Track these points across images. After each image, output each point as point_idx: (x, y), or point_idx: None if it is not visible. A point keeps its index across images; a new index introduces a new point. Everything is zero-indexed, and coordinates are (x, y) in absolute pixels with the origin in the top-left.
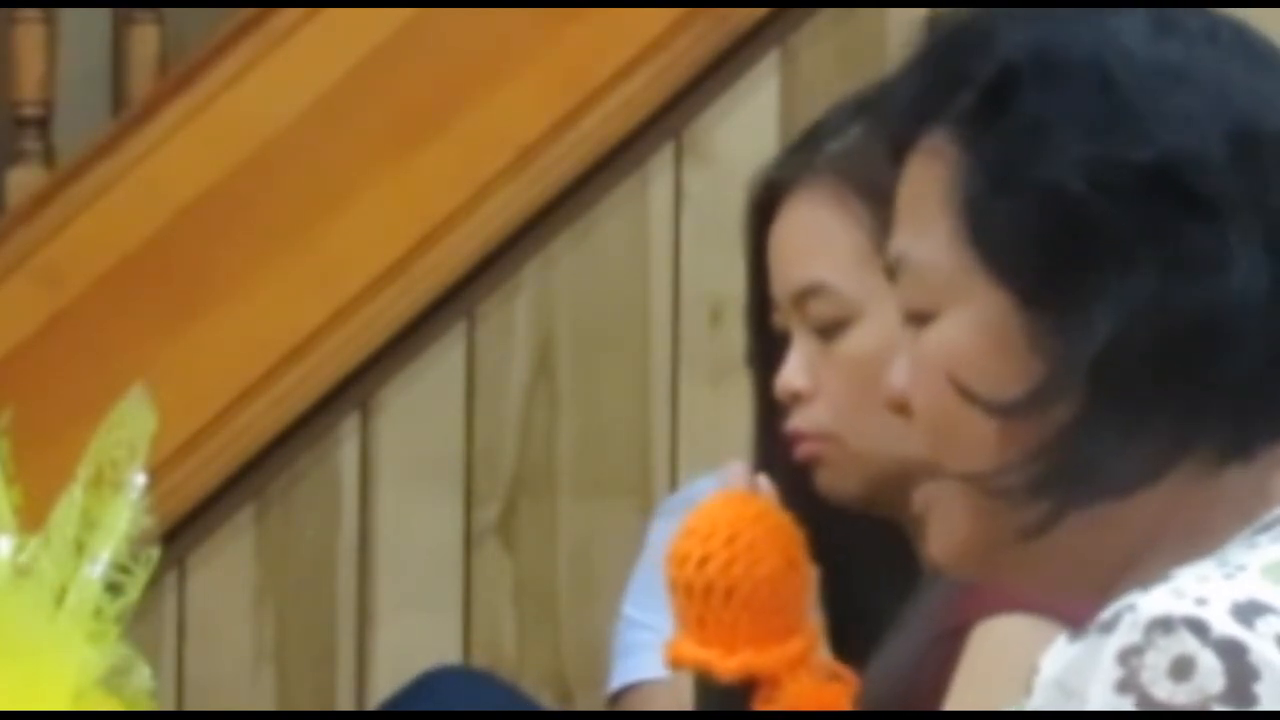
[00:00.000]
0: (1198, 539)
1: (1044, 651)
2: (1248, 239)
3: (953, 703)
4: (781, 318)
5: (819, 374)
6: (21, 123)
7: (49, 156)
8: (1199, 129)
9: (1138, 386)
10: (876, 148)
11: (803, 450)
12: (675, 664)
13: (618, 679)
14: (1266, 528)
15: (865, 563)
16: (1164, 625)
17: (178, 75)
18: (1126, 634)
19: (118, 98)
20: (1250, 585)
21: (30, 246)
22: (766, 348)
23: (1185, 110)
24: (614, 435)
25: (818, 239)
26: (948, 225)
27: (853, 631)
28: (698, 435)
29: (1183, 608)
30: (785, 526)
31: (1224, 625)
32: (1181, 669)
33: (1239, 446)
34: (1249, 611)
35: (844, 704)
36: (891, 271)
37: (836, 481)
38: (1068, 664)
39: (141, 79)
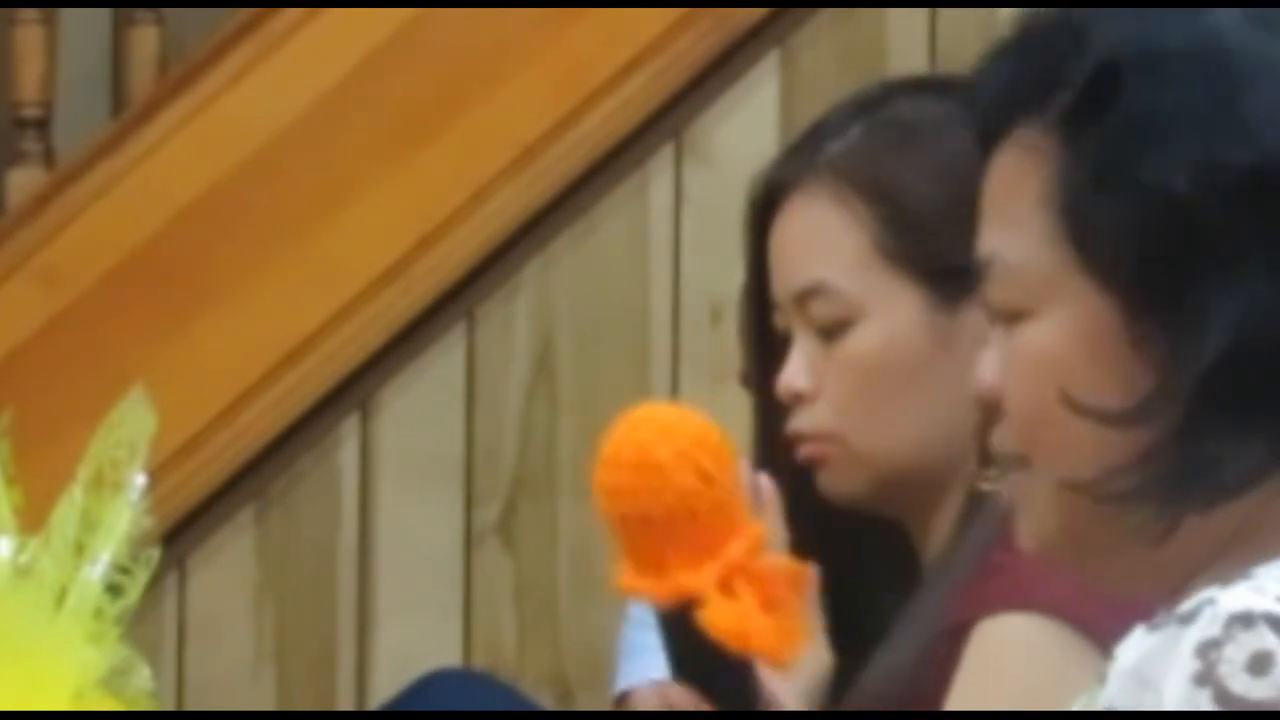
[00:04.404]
0: (1274, 542)
1: (1044, 650)
2: None
3: (954, 701)
4: (783, 318)
5: (821, 375)
6: (21, 123)
7: (49, 157)
8: None
9: (1244, 392)
10: (877, 147)
11: (805, 451)
12: (625, 593)
13: (623, 680)
14: None
15: (866, 563)
16: (1244, 620)
17: (178, 75)
18: (1206, 627)
19: (118, 98)
20: None
21: (30, 247)
22: (767, 349)
23: None
24: None
25: (819, 239)
26: (1045, 223)
27: (853, 631)
28: None
29: (1263, 604)
30: (697, 439)
31: None
32: (1259, 664)
33: None
34: None
35: (769, 636)
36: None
37: (839, 482)
38: (1144, 654)
39: (141, 79)
